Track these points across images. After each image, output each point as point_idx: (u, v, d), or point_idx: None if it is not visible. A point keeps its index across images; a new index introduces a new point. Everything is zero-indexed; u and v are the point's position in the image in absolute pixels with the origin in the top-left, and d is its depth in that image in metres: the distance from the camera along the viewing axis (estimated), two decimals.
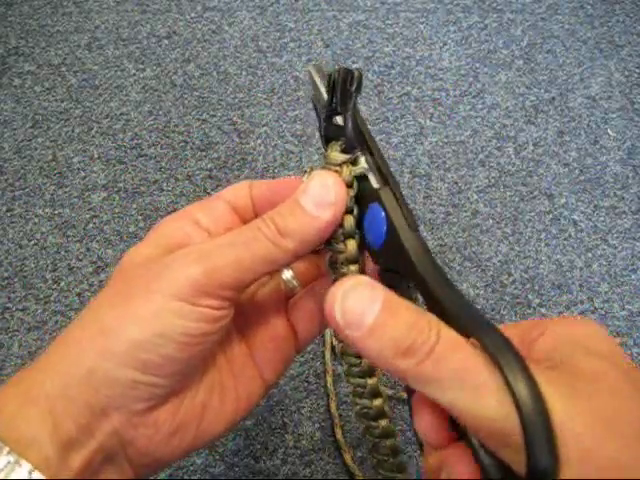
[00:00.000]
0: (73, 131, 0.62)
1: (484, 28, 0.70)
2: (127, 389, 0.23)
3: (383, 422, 0.28)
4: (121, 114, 0.63)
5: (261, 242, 0.24)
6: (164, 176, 0.59)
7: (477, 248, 0.55)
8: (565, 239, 0.56)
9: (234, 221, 0.28)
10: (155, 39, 0.68)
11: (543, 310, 0.52)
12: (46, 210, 0.57)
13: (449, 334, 0.20)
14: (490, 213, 0.57)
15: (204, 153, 0.60)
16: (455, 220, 0.56)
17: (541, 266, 0.54)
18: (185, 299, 0.23)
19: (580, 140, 0.61)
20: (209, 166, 0.59)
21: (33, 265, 0.54)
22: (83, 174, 0.59)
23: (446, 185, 0.58)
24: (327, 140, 0.27)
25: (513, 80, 0.65)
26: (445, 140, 0.61)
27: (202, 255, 0.24)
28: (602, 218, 0.57)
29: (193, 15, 0.71)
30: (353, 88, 0.25)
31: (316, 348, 0.49)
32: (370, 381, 0.28)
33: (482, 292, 0.53)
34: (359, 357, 0.27)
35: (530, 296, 0.53)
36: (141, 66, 0.66)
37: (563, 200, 0.58)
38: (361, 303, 0.20)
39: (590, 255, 0.55)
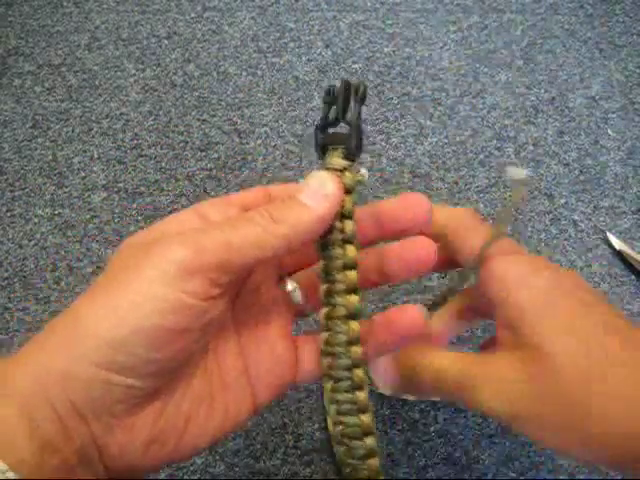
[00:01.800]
0: (73, 131, 0.62)
1: (484, 28, 0.70)
2: (101, 391, 0.22)
3: (369, 440, 0.26)
4: (121, 114, 0.63)
5: (252, 227, 0.24)
6: (164, 176, 0.59)
7: None
8: (565, 239, 0.56)
9: None
10: (155, 39, 0.68)
11: None
12: (46, 210, 0.57)
13: None
14: (490, 213, 0.57)
15: (204, 153, 0.60)
16: None
17: None
18: (170, 282, 0.22)
19: (580, 140, 0.61)
20: (209, 166, 0.59)
21: (33, 265, 0.54)
22: (83, 174, 0.59)
23: (446, 185, 0.58)
24: (323, 149, 0.27)
25: (513, 80, 0.65)
26: (445, 140, 0.61)
27: (188, 237, 0.23)
28: (602, 218, 0.57)
29: (193, 15, 0.71)
30: (358, 97, 0.26)
31: None
32: (360, 395, 0.26)
33: None
34: (349, 369, 0.26)
35: None
36: (141, 66, 0.66)
37: (563, 200, 0.58)
38: None
39: (590, 255, 0.55)
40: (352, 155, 0.26)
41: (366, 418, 0.26)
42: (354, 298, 0.26)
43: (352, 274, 0.26)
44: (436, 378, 0.28)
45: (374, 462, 0.26)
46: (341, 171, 0.26)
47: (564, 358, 0.24)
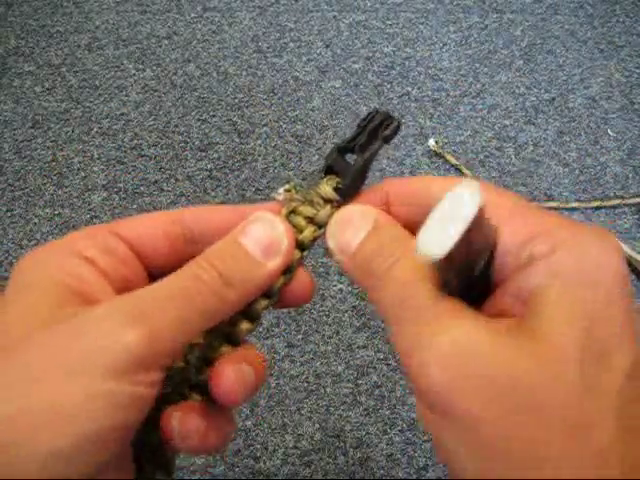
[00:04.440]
0: (73, 131, 0.62)
1: (484, 28, 0.70)
2: None
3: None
4: (121, 114, 0.63)
5: (203, 294, 0.19)
6: (164, 176, 0.59)
7: None
8: None
9: (137, 271, 0.22)
10: (155, 39, 0.68)
11: None
12: (46, 210, 0.57)
13: (408, 263, 0.19)
14: None
15: (204, 153, 0.60)
16: None
17: None
18: (120, 377, 0.17)
19: (580, 140, 0.61)
20: (209, 166, 0.59)
21: None
22: (83, 174, 0.59)
23: None
24: (327, 170, 0.24)
25: (513, 80, 0.65)
26: (445, 140, 0.61)
27: (137, 313, 0.18)
28: (602, 218, 0.57)
29: (193, 15, 0.71)
30: (386, 132, 0.23)
31: (316, 348, 0.49)
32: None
33: None
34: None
35: None
36: (141, 66, 0.66)
37: (563, 200, 0.58)
38: (349, 231, 0.21)
39: None
40: (345, 190, 0.23)
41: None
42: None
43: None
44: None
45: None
46: (324, 201, 0.23)
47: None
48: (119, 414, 0.17)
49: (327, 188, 0.23)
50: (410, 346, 0.18)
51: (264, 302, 0.22)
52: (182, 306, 0.19)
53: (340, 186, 0.23)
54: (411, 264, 0.19)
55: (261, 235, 0.21)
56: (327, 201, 0.23)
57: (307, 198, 0.23)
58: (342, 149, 0.23)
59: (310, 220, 0.23)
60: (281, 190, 0.23)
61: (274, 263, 0.21)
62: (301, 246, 0.22)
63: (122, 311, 0.18)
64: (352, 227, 0.21)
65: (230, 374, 0.20)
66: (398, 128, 0.23)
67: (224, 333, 0.22)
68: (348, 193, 0.23)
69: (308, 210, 0.23)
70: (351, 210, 0.21)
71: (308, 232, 0.22)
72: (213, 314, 0.20)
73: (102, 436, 0.17)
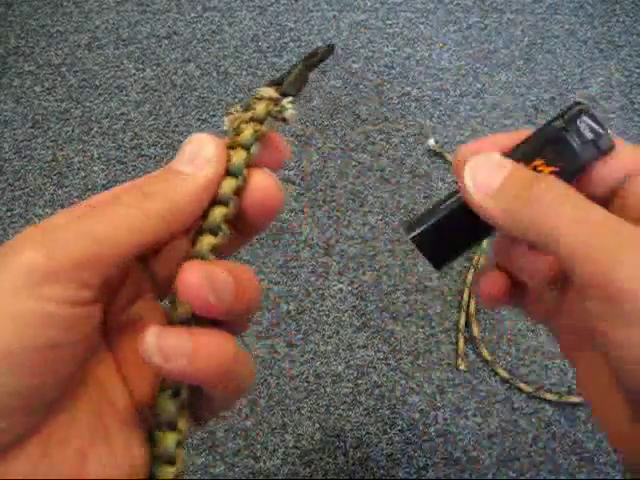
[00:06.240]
0: (73, 131, 0.62)
1: (484, 28, 0.70)
2: None
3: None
4: (121, 114, 0.63)
5: (119, 208, 0.19)
6: None
7: (477, 247, 0.55)
8: None
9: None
10: (155, 39, 0.68)
11: None
12: (46, 210, 0.57)
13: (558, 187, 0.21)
14: None
15: None
16: None
17: None
18: (22, 290, 0.17)
19: None
20: None
21: None
22: (83, 174, 0.59)
23: (446, 185, 0.58)
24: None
25: (513, 80, 0.65)
26: (445, 140, 0.61)
27: (39, 233, 0.19)
28: None
29: (193, 15, 0.71)
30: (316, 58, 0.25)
31: (316, 348, 0.49)
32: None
33: None
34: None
35: None
36: (141, 66, 0.66)
37: None
38: (489, 170, 0.22)
39: None
40: (279, 87, 0.23)
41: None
42: None
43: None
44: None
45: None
46: (261, 100, 0.23)
47: None
48: (29, 331, 0.17)
49: (265, 88, 0.23)
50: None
51: (218, 209, 0.21)
52: (91, 222, 0.19)
53: (278, 87, 0.24)
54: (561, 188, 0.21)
55: (190, 152, 0.21)
56: (263, 99, 0.23)
57: (248, 108, 0.23)
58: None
59: (250, 120, 0.23)
60: (225, 119, 0.23)
61: (204, 173, 0.21)
62: (245, 146, 0.22)
63: (28, 235, 0.19)
64: (490, 167, 0.23)
65: (192, 266, 0.19)
66: (331, 51, 0.25)
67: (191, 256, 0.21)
68: (287, 90, 0.24)
69: (247, 115, 0.23)
70: (487, 155, 0.23)
71: (247, 131, 0.22)
72: (135, 226, 0.19)
73: (12, 356, 0.17)
